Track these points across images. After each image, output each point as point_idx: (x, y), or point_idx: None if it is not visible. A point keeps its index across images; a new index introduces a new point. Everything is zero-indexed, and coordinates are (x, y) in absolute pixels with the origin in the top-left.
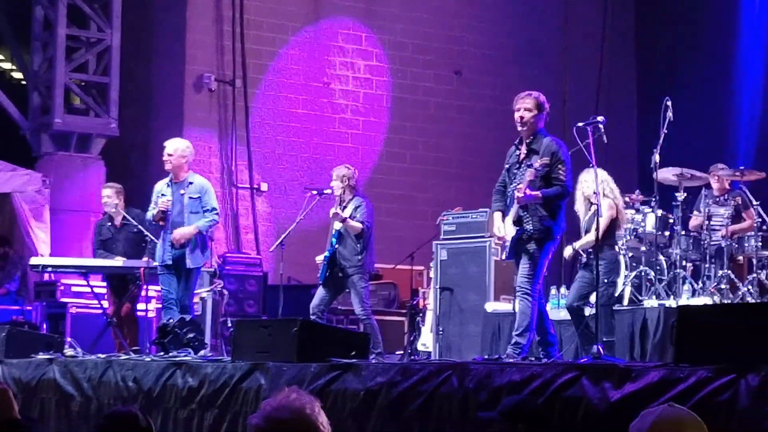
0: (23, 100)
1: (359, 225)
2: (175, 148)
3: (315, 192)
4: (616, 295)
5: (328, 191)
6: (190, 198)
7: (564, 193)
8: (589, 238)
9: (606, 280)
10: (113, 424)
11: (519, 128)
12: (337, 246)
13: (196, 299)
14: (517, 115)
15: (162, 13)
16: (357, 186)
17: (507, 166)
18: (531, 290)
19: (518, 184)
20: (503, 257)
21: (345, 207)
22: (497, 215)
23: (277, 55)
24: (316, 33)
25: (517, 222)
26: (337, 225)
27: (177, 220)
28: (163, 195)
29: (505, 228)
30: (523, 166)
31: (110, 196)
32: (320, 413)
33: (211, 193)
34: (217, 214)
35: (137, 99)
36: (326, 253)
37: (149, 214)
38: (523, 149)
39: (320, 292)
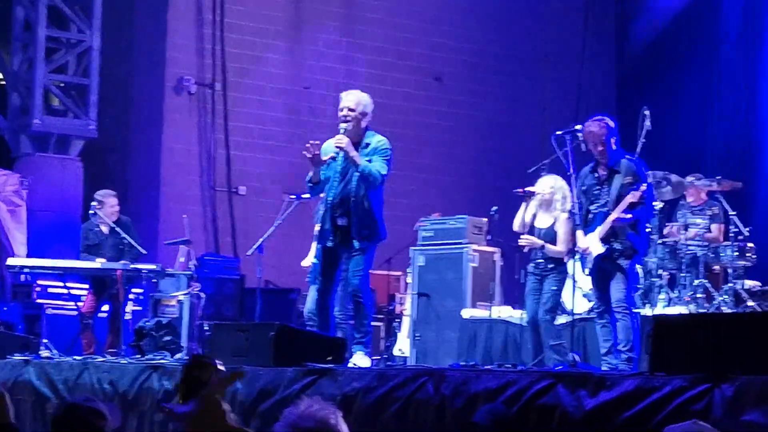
0: (2, 101)
1: None
2: (358, 101)
3: (294, 197)
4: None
5: (307, 196)
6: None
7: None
8: (557, 248)
9: (556, 288)
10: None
11: (595, 153)
12: None
13: (172, 302)
14: (590, 142)
15: (143, 15)
16: None
17: (584, 188)
18: (629, 306)
19: (603, 206)
20: (585, 272)
21: None
22: (579, 232)
23: (257, 59)
24: (297, 37)
25: (605, 240)
26: None
27: (344, 188)
28: (333, 158)
29: (588, 242)
30: (604, 187)
31: (118, 204)
32: (342, 424)
33: (384, 154)
34: (384, 177)
35: (116, 101)
36: (315, 260)
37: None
38: (601, 170)
39: (313, 295)
